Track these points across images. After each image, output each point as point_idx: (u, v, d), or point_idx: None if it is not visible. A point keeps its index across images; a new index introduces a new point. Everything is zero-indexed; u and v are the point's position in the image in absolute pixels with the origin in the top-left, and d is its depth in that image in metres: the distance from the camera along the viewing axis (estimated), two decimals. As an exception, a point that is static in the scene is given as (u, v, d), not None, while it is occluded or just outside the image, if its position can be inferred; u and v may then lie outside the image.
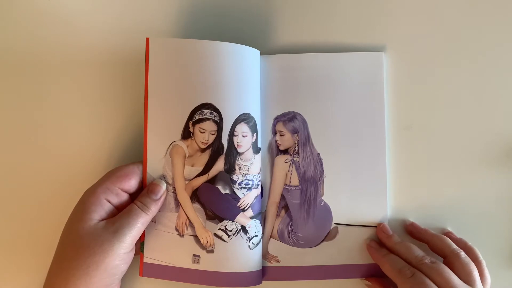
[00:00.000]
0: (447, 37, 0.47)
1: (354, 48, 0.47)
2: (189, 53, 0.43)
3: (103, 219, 0.40)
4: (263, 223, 0.45)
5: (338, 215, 0.45)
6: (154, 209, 0.42)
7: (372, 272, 0.45)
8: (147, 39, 0.43)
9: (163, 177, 0.43)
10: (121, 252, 0.39)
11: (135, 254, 0.42)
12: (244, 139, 0.44)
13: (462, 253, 0.41)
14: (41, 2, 0.48)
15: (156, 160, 0.43)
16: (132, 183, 0.42)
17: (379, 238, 0.45)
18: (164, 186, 0.42)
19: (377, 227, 0.45)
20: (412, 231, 0.45)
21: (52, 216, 0.46)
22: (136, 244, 0.41)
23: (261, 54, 0.45)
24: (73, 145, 0.47)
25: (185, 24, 0.48)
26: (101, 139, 0.47)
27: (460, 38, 0.47)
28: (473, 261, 0.41)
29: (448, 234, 0.45)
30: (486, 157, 0.46)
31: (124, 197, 0.42)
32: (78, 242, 0.38)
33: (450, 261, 0.41)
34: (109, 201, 0.41)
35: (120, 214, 0.40)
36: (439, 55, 0.47)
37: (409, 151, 0.47)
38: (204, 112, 0.43)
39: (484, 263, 0.41)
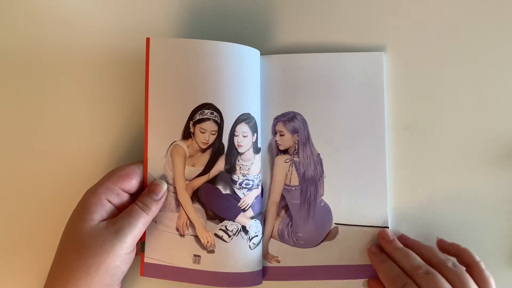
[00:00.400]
0: (447, 37, 0.47)
1: (354, 48, 0.47)
2: (189, 53, 0.43)
3: (104, 220, 0.40)
4: (263, 223, 0.45)
5: (338, 215, 0.46)
6: (155, 209, 0.42)
7: (372, 273, 0.45)
8: (148, 39, 0.43)
9: (163, 177, 0.43)
10: (122, 253, 0.39)
11: (136, 254, 0.42)
12: (244, 139, 0.44)
13: (450, 263, 0.40)
14: (41, 2, 0.48)
15: (156, 160, 0.43)
16: (133, 183, 0.42)
17: (379, 243, 0.45)
18: (165, 186, 0.42)
19: (378, 233, 0.45)
20: (402, 243, 0.44)
21: (52, 216, 0.46)
22: (136, 244, 0.41)
23: (261, 54, 0.45)
24: (74, 145, 0.47)
25: (185, 24, 0.48)
26: (101, 139, 0.47)
27: (460, 38, 0.47)
28: (470, 263, 0.40)
29: (440, 242, 0.44)
30: (486, 157, 0.46)
31: (125, 197, 0.42)
32: (79, 243, 0.38)
33: (440, 271, 0.39)
34: (110, 201, 0.41)
35: (121, 214, 0.40)
36: (439, 55, 0.47)
37: (409, 151, 0.47)
38: (204, 112, 0.43)
39: (481, 264, 0.41)
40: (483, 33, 0.47)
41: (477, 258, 0.41)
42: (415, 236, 0.45)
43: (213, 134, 0.43)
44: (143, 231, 0.41)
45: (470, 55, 0.47)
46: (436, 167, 0.46)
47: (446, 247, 0.43)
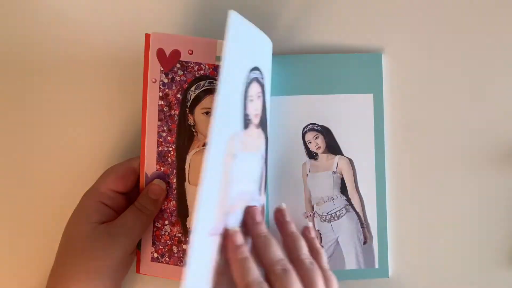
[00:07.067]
0: (447, 37, 0.47)
1: (353, 49, 0.47)
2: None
3: (102, 222, 0.40)
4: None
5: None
6: (154, 209, 0.41)
7: None
8: (148, 35, 0.42)
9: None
10: (122, 254, 0.39)
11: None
12: None
13: (308, 261, 0.37)
14: (41, 2, 0.48)
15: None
16: (127, 185, 0.42)
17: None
18: (163, 186, 0.42)
19: (246, 210, 0.38)
20: (277, 219, 0.42)
21: (53, 217, 0.46)
22: None
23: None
24: (74, 144, 0.47)
25: (186, 23, 0.48)
26: (102, 139, 0.47)
27: (460, 38, 0.47)
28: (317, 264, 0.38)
29: (305, 230, 0.42)
30: (486, 157, 0.46)
31: (120, 198, 0.42)
32: (79, 246, 0.38)
33: (296, 267, 0.37)
34: (105, 204, 0.41)
35: (120, 216, 0.40)
36: (438, 55, 0.47)
37: (409, 151, 0.46)
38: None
39: (327, 269, 0.38)
40: (482, 32, 0.47)
41: (324, 262, 0.39)
42: (415, 236, 0.45)
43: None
44: (143, 232, 0.41)
45: (470, 55, 0.47)
46: (436, 167, 0.46)
47: (305, 238, 0.41)
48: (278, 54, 0.46)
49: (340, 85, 0.46)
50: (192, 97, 0.41)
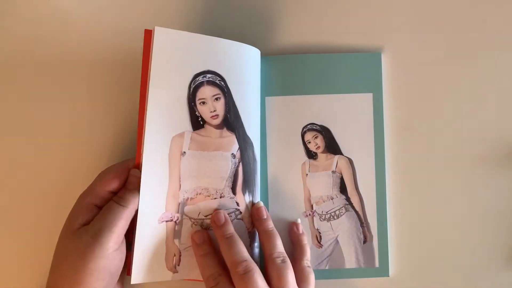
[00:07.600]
0: (446, 37, 0.48)
1: (352, 49, 0.48)
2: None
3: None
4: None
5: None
6: (132, 199, 0.39)
7: None
8: (148, 31, 0.42)
9: None
10: (104, 253, 0.37)
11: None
12: None
13: (279, 259, 0.39)
14: (41, 2, 0.48)
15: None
16: (123, 184, 0.40)
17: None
18: (139, 175, 0.40)
19: (211, 216, 0.41)
20: (254, 216, 0.42)
21: (51, 218, 0.45)
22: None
23: (261, 56, 0.46)
24: (74, 144, 0.46)
25: (186, 22, 0.48)
26: (101, 139, 0.46)
27: (459, 38, 0.48)
28: (296, 258, 0.41)
29: (293, 226, 0.44)
30: (486, 157, 0.47)
31: None
32: (64, 249, 0.38)
33: (267, 265, 0.39)
34: (97, 206, 0.39)
35: (100, 213, 0.39)
36: (437, 55, 0.48)
37: (409, 152, 0.47)
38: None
39: (305, 267, 0.41)
40: (482, 33, 0.48)
41: (305, 260, 0.41)
42: (414, 237, 0.45)
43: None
44: (126, 226, 0.39)
45: (469, 55, 0.48)
46: (435, 168, 0.47)
47: (291, 233, 0.44)
48: (278, 54, 0.47)
49: (339, 84, 0.47)
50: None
